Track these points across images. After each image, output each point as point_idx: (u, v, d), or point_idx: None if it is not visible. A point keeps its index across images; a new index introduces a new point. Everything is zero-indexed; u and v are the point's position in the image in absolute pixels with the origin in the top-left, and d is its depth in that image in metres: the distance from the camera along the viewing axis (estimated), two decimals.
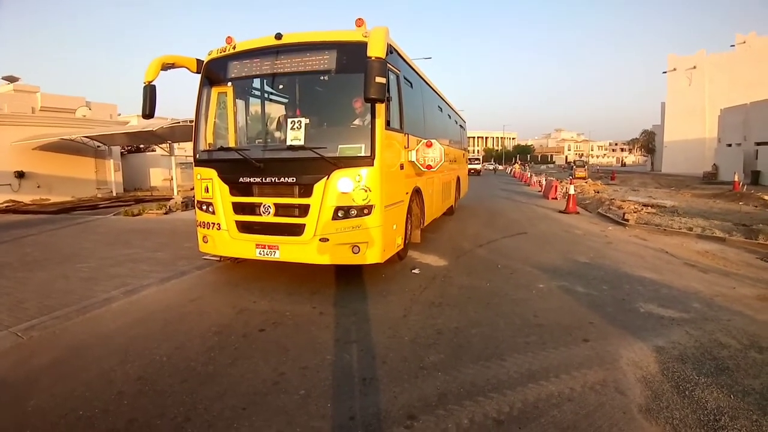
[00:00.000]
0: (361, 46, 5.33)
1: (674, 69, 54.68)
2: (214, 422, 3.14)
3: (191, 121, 6.85)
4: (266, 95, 7.25)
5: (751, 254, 8.53)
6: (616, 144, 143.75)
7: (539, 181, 27.46)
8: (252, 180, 6.09)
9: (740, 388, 3.56)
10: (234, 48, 6.46)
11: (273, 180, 5.98)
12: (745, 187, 23.80)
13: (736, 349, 4.30)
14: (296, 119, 5.96)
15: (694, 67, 52.71)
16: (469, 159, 31.52)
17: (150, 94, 6.35)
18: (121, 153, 26.15)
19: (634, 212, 13.16)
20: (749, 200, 17.61)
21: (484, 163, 66.29)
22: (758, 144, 32.76)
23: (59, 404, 3.41)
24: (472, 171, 38.60)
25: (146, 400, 3.44)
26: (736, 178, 24.28)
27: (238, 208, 6.24)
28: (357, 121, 6.36)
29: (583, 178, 36.02)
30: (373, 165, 5.81)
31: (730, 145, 37.79)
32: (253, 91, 7.19)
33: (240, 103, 7.05)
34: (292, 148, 5.89)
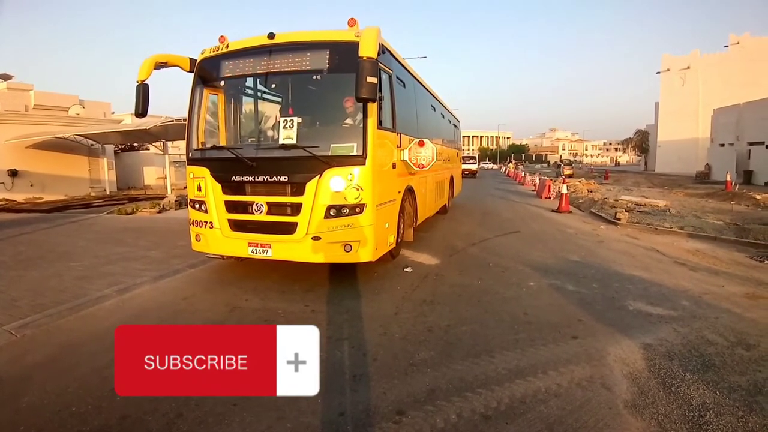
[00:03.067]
0: (353, 46, 5.35)
1: (668, 69, 54.94)
2: (205, 418, 3.17)
3: (185, 120, 6.86)
4: (259, 94, 7.27)
5: (741, 253, 8.63)
6: (610, 144, 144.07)
7: (533, 181, 27.53)
8: (244, 179, 6.11)
9: (726, 384, 3.61)
10: (227, 47, 6.47)
11: (265, 179, 6.00)
12: (738, 186, 23.94)
13: (723, 346, 4.36)
14: (288, 118, 5.97)
15: (688, 68, 52.95)
16: (463, 158, 30.66)
17: (143, 92, 6.36)
18: (115, 151, 26.04)
19: (626, 211, 13.23)
20: (741, 200, 17.77)
21: (480, 163, 60.09)
22: (751, 144, 32.99)
23: (53, 401, 3.43)
24: (467, 172, 34.32)
25: (138, 397, 3.45)
26: (728, 178, 24.40)
27: (231, 207, 6.25)
28: (349, 121, 6.39)
29: (570, 176, 36.65)
30: (365, 164, 5.84)
31: (723, 145, 37.97)
32: (246, 90, 7.21)
33: (233, 102, 7.06)
34: (284, 147, 5.90)
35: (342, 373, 3.88)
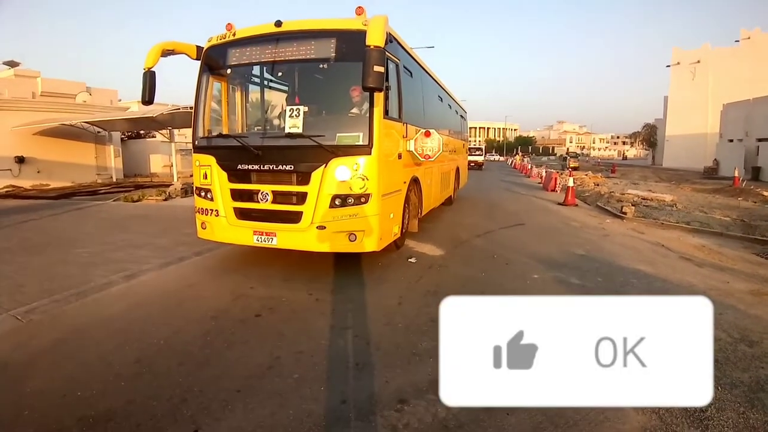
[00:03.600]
0: (361, 35, 5.33)
1: (678, 63, 54.46)
2: (209, 404, 3.20)
3: (191, 108, 6.87)
4: (265, 83, 7.26)
5: (748, 250, 8.57)
6: (617, 137, 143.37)
7: (539, 173, 27.43)
8: (250, 167, 6.11)
9: (728, 380, 3.60)
10: (234, 35, 6.45)
11: (271, 167, 6.00)
12: (745, 182, 23.78)
13: (727, 342, 4.33)
14: (295, 107, 5.96)
15: (698, 62, 52.45)
16: (470, 149, 30.13)
17: (150, 80, 6.36)
18: (122, 139, 26.07)
19: (633, 205, 13.18)
20: (749, 196, 17.70)
21: (487, 154, 57.82)
22: (759, 140, 32.79)
23: (58, 386, 3.47)
24: (473, 164, 33.23)
25: (143, 382, 3.51)
26: (736, 174, 24.26)
27: (237, 195, 6.26)
28: (355, 110, 6.38)
29: (576, 168, 36.80)
30: (370, 154, 5.83)
31: (731, 141, 37.75)
32: (253, 78, 7.21)
33: (239, 90, 7.08)
34: (290, 135, 5.90)
35: (345, 361, 3.91)
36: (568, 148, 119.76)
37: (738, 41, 50.39)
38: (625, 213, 12.20)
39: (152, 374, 3.64)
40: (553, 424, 3.01)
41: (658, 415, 3.10)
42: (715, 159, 38.87)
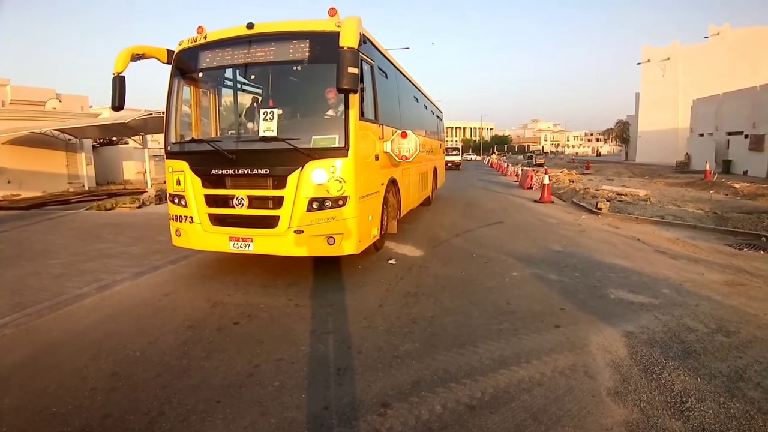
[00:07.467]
0: (334, 36, 5.28)
1: (648, 60, 55.48)
2: (188, 415, 3.13)
3: (164, 113, 6.74)
4: (238, 86, 7.18)
5: (721, 241, 8.75)
6: (591, 134, 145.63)
7: (515, 171, 27.68)
8: (224, 172, 6.01)
9: (707, 371, 3.65)
10: (205, 38, 6.35)
11: (246, 172, 5.91)
12: (716, 175, 24.35)
13: (704, 333, 4.41)
14: (269, 110, 5.88)
15: (668, 59, 53.52)
16: (447, 149, 30.14)
17: (119, 85, 6.21)
18: (93, 146, 25.55)
19: (607, 201, 13.35)
20: (720, 188, 18.07)
21: (463, 154, 59.65)
22: (729, 134, 33.49)
23: (33, 402, 3.37)
24: (450, 164, 32.15)
25: (120, 396, 3.41)
26: (707, 167, 24.79)
27: (211, 201, 6.16)
28: (331, 112, 6.33)
29: (542, 164, 38.09)
30: (347, 156, 5.79)
31: (702, 135, 38.53)
32: (225, 81, 7.12)
33: (212, 93, 6.97)
34: (265, 139, 5.82)
35: (326, 366, 3.86)
36: (542, 147, 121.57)
37: (707, 37, 51.49)
38: (600, 209, 12.36)
39: (129, 387, 3.54)
40: (537, 421, 3.01)
41: (639, 408, 3.13)
42: (687, 153, 39.62)
